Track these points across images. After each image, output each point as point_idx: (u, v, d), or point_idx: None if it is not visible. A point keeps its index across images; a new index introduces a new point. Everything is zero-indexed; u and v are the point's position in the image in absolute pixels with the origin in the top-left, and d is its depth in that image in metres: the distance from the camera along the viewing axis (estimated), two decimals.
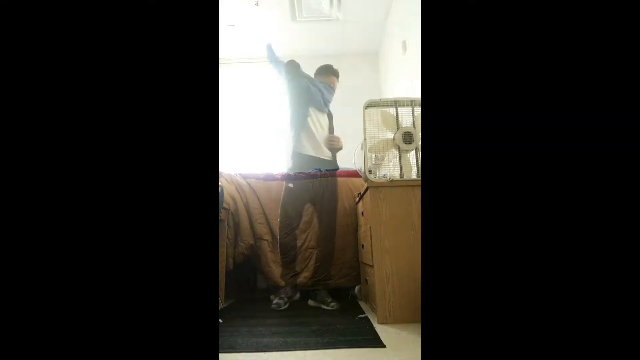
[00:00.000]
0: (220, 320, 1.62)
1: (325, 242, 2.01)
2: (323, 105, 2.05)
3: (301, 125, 1.98)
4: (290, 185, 1.94)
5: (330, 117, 2.12)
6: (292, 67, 2.07)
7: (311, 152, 1.96)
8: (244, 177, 2.48)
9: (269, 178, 2.50)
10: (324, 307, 1.90)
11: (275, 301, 1.83)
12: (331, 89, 2.13)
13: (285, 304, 1.85)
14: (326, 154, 2.01)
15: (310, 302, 2.02)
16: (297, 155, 1.97)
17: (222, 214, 2.08)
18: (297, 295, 1.92)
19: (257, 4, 3.12)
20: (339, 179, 2.43)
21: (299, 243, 2.30)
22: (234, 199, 2.31)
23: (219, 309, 1.92)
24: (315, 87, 2.03)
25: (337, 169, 2.06)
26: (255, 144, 3.77)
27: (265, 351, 1.16)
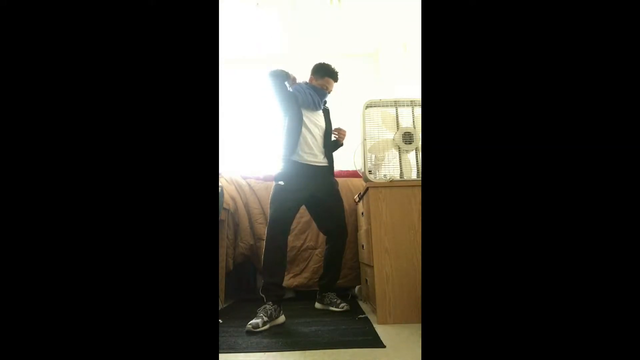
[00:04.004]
0: (220, 320, 1.62)
1: (334, 241, 1.90)
2: (315, 105, 1.91)
3: (294, 130, 1.79)
4: (281, 183, 1.78)
5: (326, 112, 2.01)
6: (276, 79, 1.91)
7: (305, 159, 1.84)
8: (244, 177, 2.49)
9: (268, 178, 2.50)
10: (334, 309, 1.80)
11: (252, 321, 1.46)
12: (323, 91, 1.91)
13: (264, 324, 1.46)
14: (321, 160, 1.90)
15: (317, 305, 1.92)
16: (290, 163, 1.83)
17: (222, 214, 2.08)
18: (282, 318, 1.60)
19: (257, 4, 3.12)
20: (339, 179, 2.43)
21: (298, 243, 2.30)
22: (234, 199, 2.32)
23: (219, 309, 1.92)
24: (303, 91, 1.90)
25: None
26: (255, 144, 3.77)
27: (265, 351, 1.16)
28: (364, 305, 1.91)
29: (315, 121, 1.91)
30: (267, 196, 2.40)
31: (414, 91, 2.52)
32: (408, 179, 1.68)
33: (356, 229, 2.23)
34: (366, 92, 3.74)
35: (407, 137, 1.72)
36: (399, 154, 1.74)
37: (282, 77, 1.89)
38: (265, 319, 1.50)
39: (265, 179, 2.50)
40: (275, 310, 1.57)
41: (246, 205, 2.38)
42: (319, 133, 1.90)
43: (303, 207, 2.39)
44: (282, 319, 1.59)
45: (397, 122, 1.76)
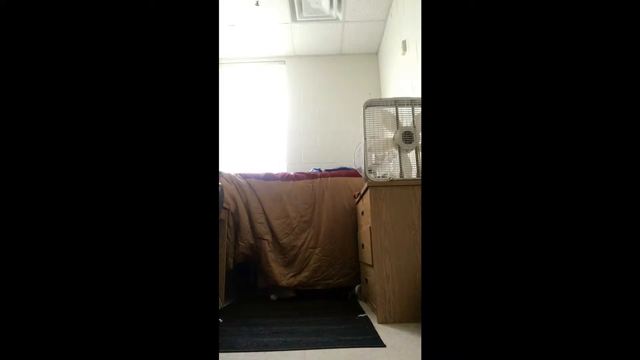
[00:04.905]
0: (220, 320, 1.63)
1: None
2: None
3: None
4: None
5: None
6: None
7: None
8: (244, 177, 2.49)
9: (269, 178, 2.50)
10: None
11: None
12: None
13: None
14: None
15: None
16: None
17: (222, 214, 2.08)
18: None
19: (257, 4, 3.12)
20: (339, 179, 2.44)
21: (299, 243, 2.31)
22: (234, 199, 2.32)
23: (219, 309, 1.92)
24: None
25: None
26: (255, 144, 3.77)
27: (265, 350, 1.16)
28: (364, 305, 1.91)
29: None
30: (267, 196, 2.41)
31: (414, 91, 2.51)
32: (408, 178, 1.68)
33: (356, 228, 2.23)
34: (366, 92, 3.76)
35: (407, 137, 1.72)
36: (399, 154, 1.74)
37: None
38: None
39: (266, 179, 2.50)
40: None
41: (246, 205, 2.38)
42: None
43: (303, 207, 2.40)
44: None
45: (397, 121, 1.76)
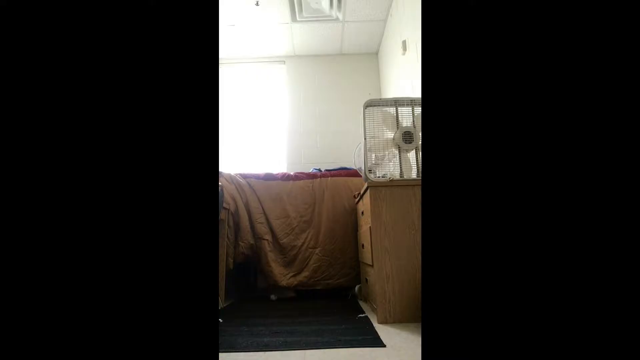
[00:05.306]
0: (220, 320, 1.63)
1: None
2: None
3: None
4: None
5: None
6: None
7: None
8: (244, 177, 2.49)
9: (269, 178, 2.50)
10: None
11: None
12: None
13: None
14: None
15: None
16: None
17: (222, 214, 2.08)
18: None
19: (257, 4, 3.12)
20: (339, 179, 2.44)
21: (299, 243, 2.31)
22: (234, 199, 2.32)
23: (219, 309, 1.92)
24: None
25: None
26: (255, 144, 3.77)
27: (265, 350, 1.16)
28: (364, 305, 1.91)
29: None
30: (267, 196, 2.41)
31: (414, 91, 2.51)
32: (408, 178, 1.68)
33: (356, 228, 2.23)
34: (366, 92, 3.75)
35: (407, 137, 1.72)
36: (399, 153, 1.74)
37: None
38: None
39: (266, 179, 2.50)
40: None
41: (246, 205, 2.38)
42: None
43: (303, 207, 2.40)
44: None
45: (397, 121, 1.76)
